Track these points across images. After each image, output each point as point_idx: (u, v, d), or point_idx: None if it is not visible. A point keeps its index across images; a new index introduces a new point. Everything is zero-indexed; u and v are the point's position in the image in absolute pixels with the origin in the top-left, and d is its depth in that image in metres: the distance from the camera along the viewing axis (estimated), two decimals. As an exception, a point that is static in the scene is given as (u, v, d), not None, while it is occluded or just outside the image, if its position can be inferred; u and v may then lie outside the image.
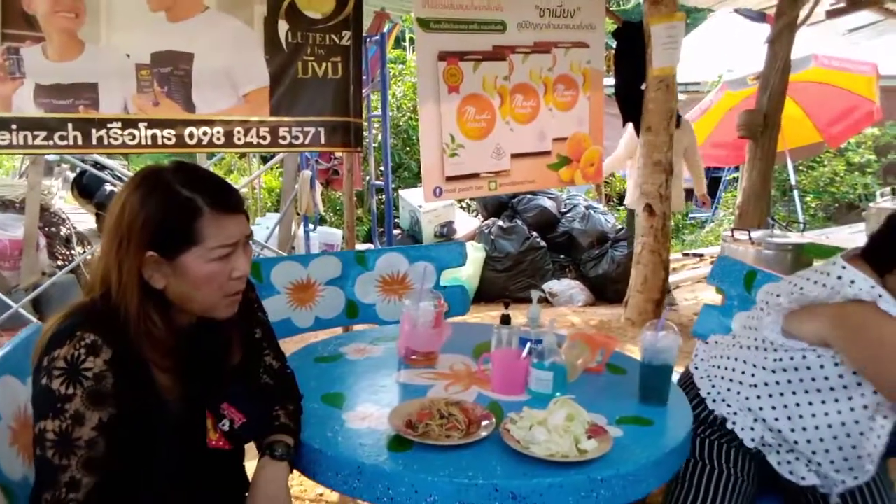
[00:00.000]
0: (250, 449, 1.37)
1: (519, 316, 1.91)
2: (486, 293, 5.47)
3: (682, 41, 4.21)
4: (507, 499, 1.20)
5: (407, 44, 9.67)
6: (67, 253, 5.31)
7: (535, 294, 1.91)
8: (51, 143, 2.67)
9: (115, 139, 2.74)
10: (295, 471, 1.34)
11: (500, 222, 5.85)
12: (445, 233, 6.21)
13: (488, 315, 4.90)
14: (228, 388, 1.29)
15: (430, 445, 1.31)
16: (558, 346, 1.68)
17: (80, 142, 2.70)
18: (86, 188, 7.17)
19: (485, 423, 1.40)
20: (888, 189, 4.66)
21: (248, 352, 1.37)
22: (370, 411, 1.48)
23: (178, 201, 1.15)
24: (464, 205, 7.37)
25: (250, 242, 1.28)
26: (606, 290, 5.57)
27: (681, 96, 5.05)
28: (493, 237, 5.71)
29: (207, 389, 1.26)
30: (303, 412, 1.41)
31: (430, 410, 1.40)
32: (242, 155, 9.03)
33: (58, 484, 1.09)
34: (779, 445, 1.60)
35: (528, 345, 1.64)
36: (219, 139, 2.90)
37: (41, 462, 1.10)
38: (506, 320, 1.77)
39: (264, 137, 3.00)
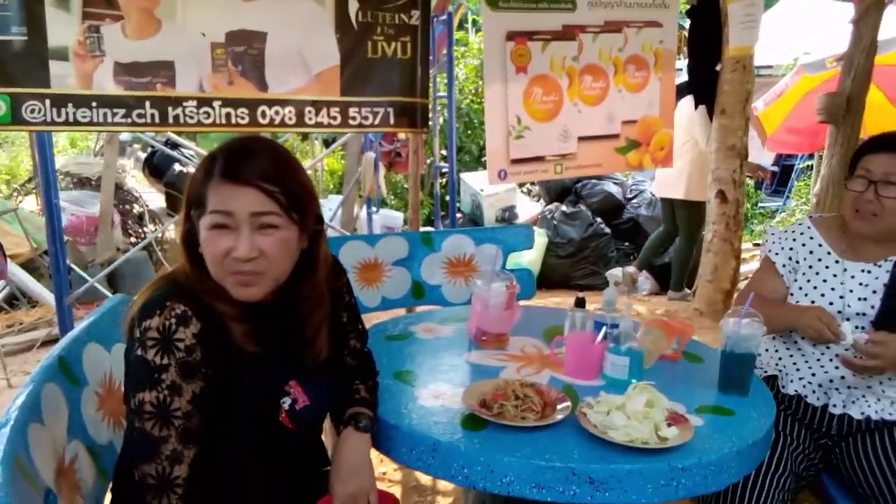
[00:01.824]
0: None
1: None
2: (547, 279, 5.40)
3: (760, 19, 4.03)
4: (585, 483, 1.17)
5: (469, 25, 9.59)
6: (140, 230, 5.49)
7: (611, 277, 1.88)
8: (129, 120, 2.73)
9: (191, 117, 2.78)
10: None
11: (564, 207, 5.76)
12: (507, 217, 6.17)
13: (551, 301, 4.85)
14: (305, 366, 1.27)
15: (505, 426, 1.29)
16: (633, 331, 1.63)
17: (157, 120, 2.76)
18: (156, 168, 7.39)
19: (561, 405, 1.37)
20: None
21: (334, 340, 1.35)
22: (443, 390, 1.47)
23: (206, 162, 1.17)
24: (525, 189, 7.29)
25: (274, 230, 1.16)
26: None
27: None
28: (555, 222, 5.62)
29: (285, 363, 1.26)
30: (378, 388, 1.42)
31: (505, 391, 1.37)
32: (305, 137, 9.13)
33: (160, 456, 1.11)
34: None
35: (604, 329, 1.59)
36: (290, 119, 2.92)
37: (140, 434, 1.12)
38: (580, 303, 1.73)
39: (335, 118, 3.01)
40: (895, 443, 1.64)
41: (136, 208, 5.69)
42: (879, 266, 1.72)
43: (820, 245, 1.81)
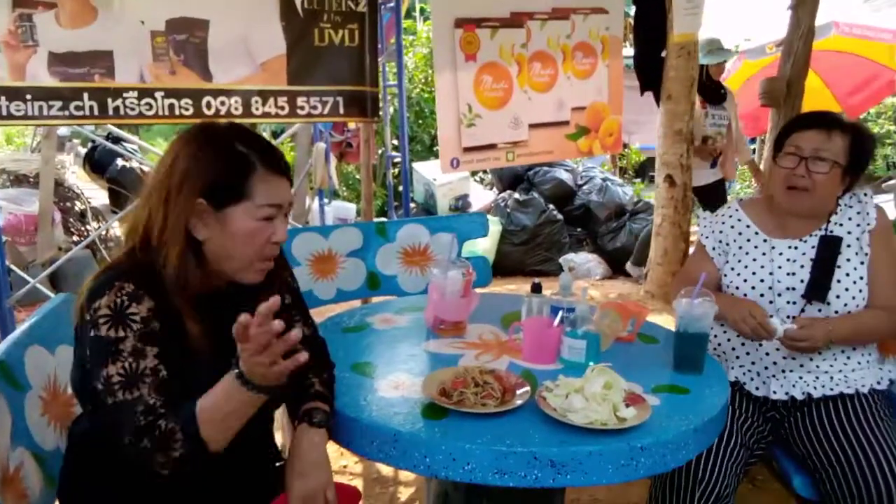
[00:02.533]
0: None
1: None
2: (502, 266, 5.42)
3: (703, 7, 4.10)
4: (546, 466, 1.18)
5: (417, 14, 9.53)
6: (83, 228, 5.31)
7: (565, 263, 1.89)
8: (66, 113, 2.63)
9: (132, 109, 2.70)
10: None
11: (517, 195, 5.79)
12: (461, 206, 6.17)
13: (506, 288, 4.88)
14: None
15: (466, 413, 1.29)
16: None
17: (96, 112, 2.66)
18: (98, 163, 7.14)
19: (520, 391, 1.37)
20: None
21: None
22: (402, 380, 1.46)
23: (233, 154, 1.19)
24: (478, 178, 7.30)
25: (288, 214, 1.28)
26: (624, 264, 5.52)
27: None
28: (509, 210, 5.65)
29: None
30: (335, 381, 1.39)
31: (465, 378, 1.37)
32: (253, 127, 8.96)
33: (135, 415, 1.08)
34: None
35: (561, 313, 1.60)
36: (237, 109, 2.86)
37: (116, 408, 1.09)
38: (537, 289, 1.73)
39: (282, 108, 2.95)
40: (839, 415, 1.70)
41: (78, 205, 5.49)
42: (805, 241, 1.78)
43: (748, 226, 1.87)
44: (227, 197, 1.18)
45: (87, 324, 1.11)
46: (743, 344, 1.82)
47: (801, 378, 1.75)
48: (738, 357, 1.84)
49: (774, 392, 1.76)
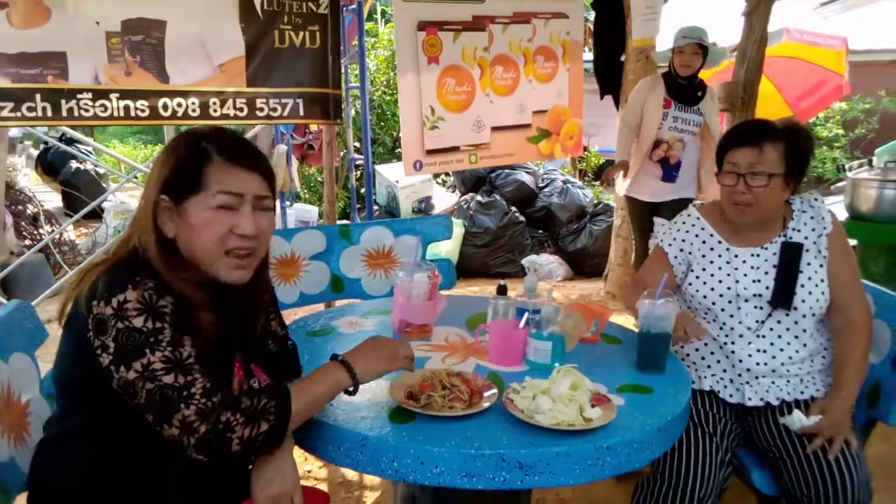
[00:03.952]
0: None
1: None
2: (465, 269, 5.44)
3: (661, 13, 4.18)
4: (515, 468, 1.18)
5: (378, 16, 9.50)
6: (35, 232, 5.16)
7: (529, 264, 1.89)
8: (18, 114, 2.56)
9: (86, 110, 2.63)
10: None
11: (479, 197, 5.81)
12: (423, 208, 6.16)
13: (469, 290, 4.89)
14: (256, 349, 1.33)
15: (434, 417, 1.28)
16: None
17: (49, 113, 2.59)
18: (50, 165, 6.97)
19: (487, 393, 1.37)
20: (863, 161, 4.69)
21: (264, 316, 1.42)
22: (369, 384, 1.44)
23: (192, 149, 1.21)
24: (440, 180, 7.31)
25: (269, 212, 1.27)
26: (585, 265, 5.59)
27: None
28: (471, 212, 5.67)
29: (241, 345, 1.29)
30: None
31: (432, 381, 1.37)
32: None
33: (191, 398, 1.08)
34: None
35: (526, 315, 1.61)
36: (194, 111, 2.81)
37: (161, 393, 1.08)
38: (502, 291, 1.74)
39: (241, 109, 2.91)
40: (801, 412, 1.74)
41: (30, 208, 5.34)
42: (766, 248, 1.81)
43: (711, 235, 1.88)
44: (183, 189, 1.19)
45: (107, 318, 1.09)
46: (713, 353, 1.83)
47: (773, 383, 1.77)
48: (709, 366, 1.84)
49: (749, 399, 1.77)
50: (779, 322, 1.77)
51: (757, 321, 1.78)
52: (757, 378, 1.77)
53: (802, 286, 1.75)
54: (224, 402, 1.10)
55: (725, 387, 1.81)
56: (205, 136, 1.23)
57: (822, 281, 1.77)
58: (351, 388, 1.26)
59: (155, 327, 1.10)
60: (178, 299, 1.15)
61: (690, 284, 1.86)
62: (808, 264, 1.77)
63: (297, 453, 1.28)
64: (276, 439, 1.15)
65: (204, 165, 1.19)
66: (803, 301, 1.75)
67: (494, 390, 1.38)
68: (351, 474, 2.54)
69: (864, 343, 1.74)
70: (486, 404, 1.33)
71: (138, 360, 1.08)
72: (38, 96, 2.56)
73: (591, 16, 4.88)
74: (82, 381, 1.16)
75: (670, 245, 1.92)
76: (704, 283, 1.83)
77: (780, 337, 1.76)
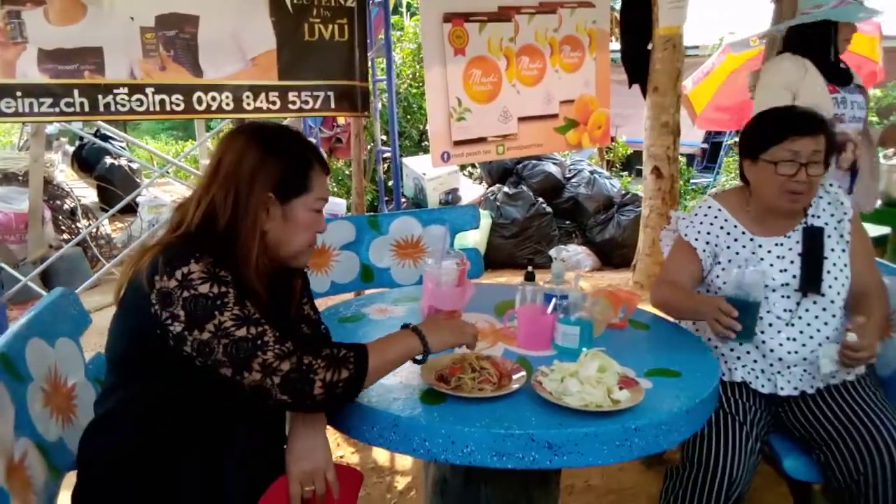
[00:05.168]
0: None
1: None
2: (493, 260, 5.45)
3: (688, 0, 4.14)
4: (544, 448, 1.21)
5: (404, 10, 9.52)
6: (73, 226, 5.29)
7: (556, 252, 1.91)
8: (57, 110, 2.63)
9: (123, 105, 2.70)
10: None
11: (506, 188, 5.81)
12: (450, 200, 6.18)
13: (497, 281, 4.90)
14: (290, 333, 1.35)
15: (464, 398, 1.31)
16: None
17: (86, 108, 2.66)
18: (86, 161, 7.12)
19: (516, 375, 1.40)
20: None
21: (301, 296, 1.51)
22: (400, 367, 1.47)
23: (296, 153, 1.35)
24: (467, 172, 7.32)
25: None
26: (613, 255, 5.57)
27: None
28: (498, 203, 5.68)
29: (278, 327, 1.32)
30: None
31: (462, 365, 1.39)
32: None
33: (266, 345, 1.17)
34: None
35: (554, 300, 1.63)
36: (228, 105, 2.87)
37: (236, 345, 1.15)
38: (530, 277, 1.76)
39: (274, 102, 2.96)
40: (841, 394, 1.74)
41: (68, 203, 5.47)
42: (789, 237, 1.81)
43: (735, 226, 1.87)
44: (294, 190, 1.32)
45: (171, 290, 1.15)
46: (742, 344, 1.83)
47: (805, 371, 1.77)
48: (738, 358, 1.82)
49: (782, 388, 1.77)
50: (807, 310, 1.76)
51: (786, 310, 1.77)
52: (789, 367, 1.77)
53: (828, 272, 1.75)
54: (302, 348, 1.18)
55: (757, 377, 1.80)
56: (292, 139, 1.37)
57: (845, 266, 1.78)
58: (420, 357, 1.33)
59: (220, 291, 1.17)
60: (234, 275, 1.22)
61: (717, 276, 1.85)
62: (832, 250, 1.78)
63: (330, 439, 1.32)
64: (356, 388, 1.22)
65: (309, 170, 1.35)
66: (830, 287, 1.75)
67: (523, 373, 1.41)
68: (382, 459, 2.58)
69: (882, 293, 1.78)
70: (515, 386, 1.35)
71: (210, 321, 1.15)
72: (75, 92, 2.64)
73: (618, 4, 4.84)
74: (137, 358, 1.22)
75: (696, 238, 1.89)
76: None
77: (809, 325, 1.76)
